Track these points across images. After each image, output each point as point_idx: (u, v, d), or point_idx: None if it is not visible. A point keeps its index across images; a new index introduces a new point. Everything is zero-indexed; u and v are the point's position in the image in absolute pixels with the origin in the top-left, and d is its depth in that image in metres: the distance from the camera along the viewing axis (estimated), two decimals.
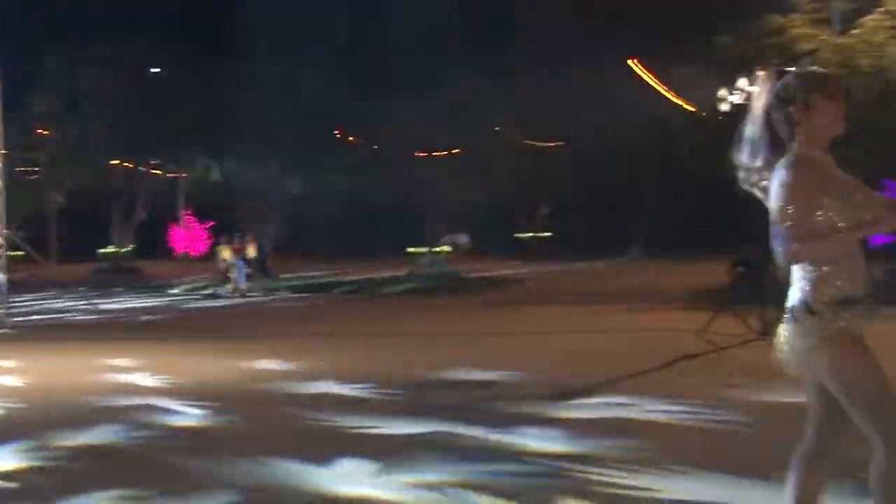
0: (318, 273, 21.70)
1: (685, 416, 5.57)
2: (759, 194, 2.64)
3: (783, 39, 13.57)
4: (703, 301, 12.37)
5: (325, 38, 24.27)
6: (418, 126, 18.85)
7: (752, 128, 2.64)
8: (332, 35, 24.66)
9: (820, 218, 2.45)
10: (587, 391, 6.43)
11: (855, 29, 13.65)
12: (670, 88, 17.05)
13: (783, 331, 2.61)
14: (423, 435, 5.17)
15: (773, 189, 2.49)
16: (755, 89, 9.08)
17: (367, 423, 5.49)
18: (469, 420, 5.39)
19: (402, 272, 19.92)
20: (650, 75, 19.20)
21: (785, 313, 2.62)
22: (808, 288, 2.51)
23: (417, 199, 20.53)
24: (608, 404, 5.97)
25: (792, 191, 2.43)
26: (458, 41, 23.44)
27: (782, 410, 5.58)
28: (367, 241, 27.64)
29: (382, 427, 5.40)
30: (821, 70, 2.72)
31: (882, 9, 13.33)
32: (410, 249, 20.87)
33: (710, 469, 4.21)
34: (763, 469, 3.85)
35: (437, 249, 20.80)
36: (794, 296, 2.57)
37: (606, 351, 8.52)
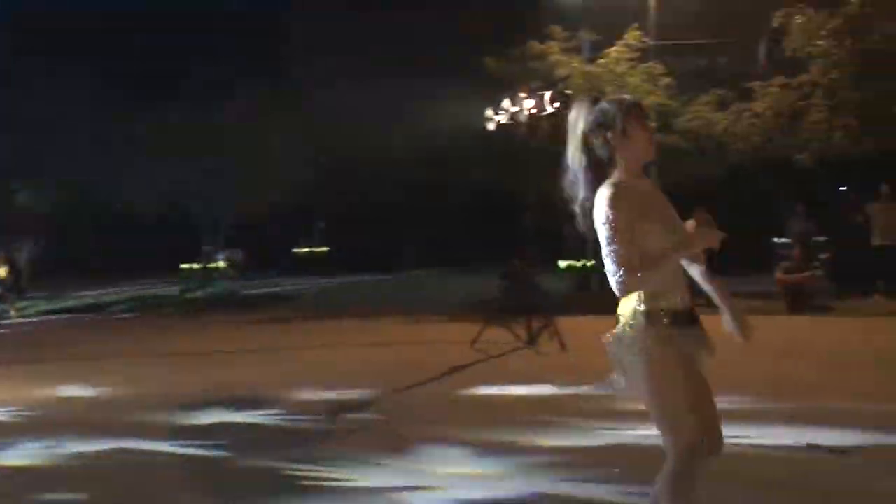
0: (88, 292, 20.14)
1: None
2: (581, 216, 2.68)
3: (542, 65, 14.46)
4: (475, 312, 12.85)
5: (88, 39, 22.59)
6: (192, 135, 17.97)
7: (572, 153, 2.69)
8: (95, 36, 22.99)
9: (650, 242, 2.52)
10: (361, 406, 6.40)
11: (602, 59, 14.88)
12: (441, 105, 17.57)
13: (614, 337, 2.67)
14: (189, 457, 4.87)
15: (597, 220, 2.53)
16: (516, 109, 9.39)
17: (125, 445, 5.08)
18: (250, 442, 5.16)
19: (176, 289, 18.94)
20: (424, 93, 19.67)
21: (618, 319, 2.67)
22: (641, 297, 2.58)
23: (192, 213, 19.55)
24: (377, 420, 5.98)
25: (615, 224, 2.48)
26: (236, 49, 22.79)
27: (545, 407, 5.89)
28: (139, 257, 26.17)
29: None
30: (634, 99, 2.77)
31: (623, 41, 14.64)
32: (185, 265, 19.81)
33: None
34: None
35: (213, 265, 19.92)
36: (628, 304, 2.62)
37: (381, 364, 8.56)
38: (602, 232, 2.52)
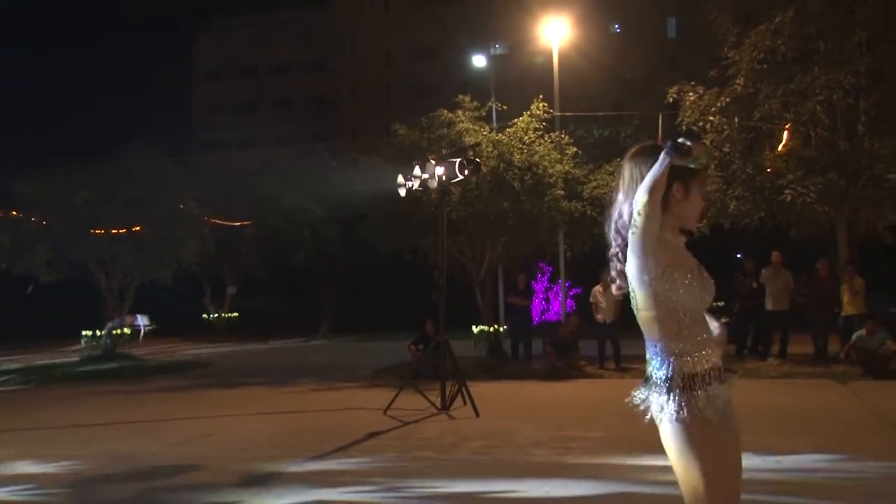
0: None
1: (370, 495, 5.56)
2: (616, 271, 2.64)
3: (451, 132, 14.74)
4: (387, 378, 12.72)
5: None
6: (94, 202, 17.42)
7: (619, 205, 2.62)
8: None
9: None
10: (273, 477, 6.17)
11: (510, 127, 15.31)
12: (355, 172, 17.65)
13: (648, 399, 2.56)
14: None
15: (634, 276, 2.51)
16: (426, 175, 9.49)
17: None
18: None
19: (76, 357, 18.07)
20: (333, 160, 19.75)
21: (647, 381, 2.58)
22: (673, 362, 2.51)
23: (95, 279, 18.80)
24: (294, 490, 5.77)
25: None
26: (142, 117, 22.46)
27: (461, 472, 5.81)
28: (39, 323, 25.12)
29: None
30: (694, 165, 2.53)
31: (529, 112, 15.12)
32: (86, 332, 18.96)
33: None
34: None
35: (117, 331, 19.09)
36: (659, 368, 2.54)
37: (292, 433, 8.30)
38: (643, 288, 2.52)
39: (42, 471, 6.74)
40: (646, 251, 2.50)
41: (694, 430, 2.45)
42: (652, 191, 2.44)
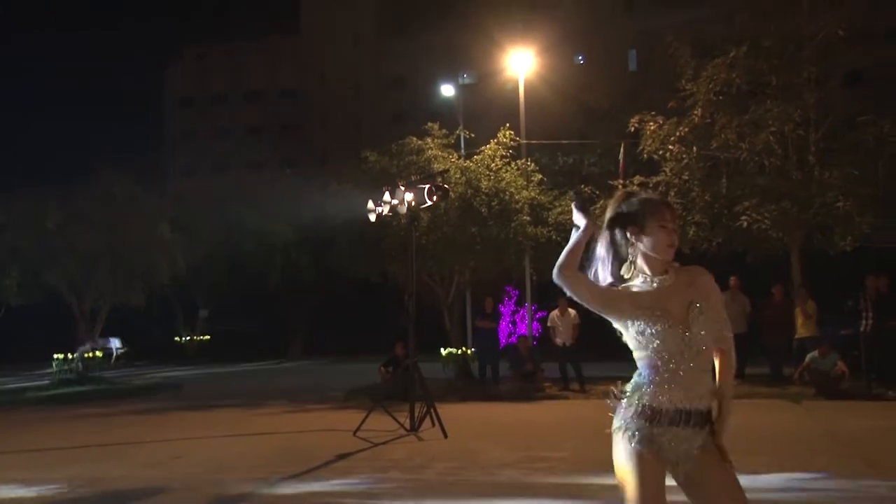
0: None
1: None
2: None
3: (420, 159, 14.82)
4: (358, 400, 12.63)
5: None
6: (65, 226, 17.21)
7: (600, 245, 2.70)
8: None
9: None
10: (244, 498, 6.09)
11: (477, 154, 15.42)
12: (326, 198, 17.64)
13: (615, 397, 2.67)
14: None
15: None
16: (396, 201, 9.50)
17: None
18: None
19: (47, 381, 17.68)
20: (306, 185, 19.71)
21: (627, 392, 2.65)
22: (637, 382, 2.61)
23: (66, 302, 18.51)
24: None
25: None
26: (115, 143, 22.28)
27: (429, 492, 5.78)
28: (6, 347, 24.75)
29: None
30: (662, 199, 2.72)
31: (496, 140, 15.26)
32: (58, 355, 18.64)
33: None
34: None
35: (89, 354, 18.76)
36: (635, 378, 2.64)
37: (263, 455, 8.20)
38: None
39: (10, 495, 6.57)
40: (601, 311, 2.64)
41: (625, 453, 2.56)
42: (563, 267, 2.62)
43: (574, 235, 2.67)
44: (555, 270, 2.61)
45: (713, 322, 2.59)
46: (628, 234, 2.65)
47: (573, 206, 2.70)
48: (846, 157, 13.37)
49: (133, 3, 75.03)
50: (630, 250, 2.66)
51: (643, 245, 2.63)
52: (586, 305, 2.64)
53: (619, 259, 2.68)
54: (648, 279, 2.62)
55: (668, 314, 2.55)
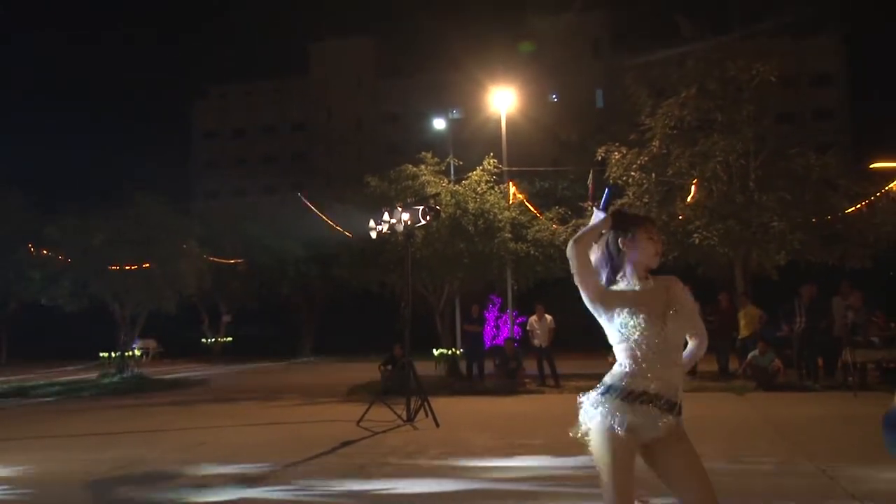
0: (12, 377, 18.42)
1: (345, 494, 5.53)
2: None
3: (415, 184, 14.88)
4: (360, 394, 12.63)
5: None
6: (108, 243, 17.37)
7: (594, 254, 2.73)
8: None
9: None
10: (259, 478, 6.10)
11: (465, 180, 15.50)
12: (331, 218, 17.66)
13: (587, 396, 2.62)
14: None
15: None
16: (394, 220, 9.53)
17: None
18: None
19: (95, 375, 17.74)
20: (314, 207, 19.70)
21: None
22: (616, 371, 2.59)
23: (110, 308, 18.60)
24: (279, 487, 5.72)
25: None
26: (149, 170, 22.33)
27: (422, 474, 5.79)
28: (60, 346, 25.12)
29: None
30: (648, 215, 2.90)
31: (481, 167, 15.35)
32: (103, 354, 18.79)
33: None
34: None
35: (129, 353, 18.83)
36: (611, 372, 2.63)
37: (277, 441, 8.21)
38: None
39: (63, 470, 6.57)
40: (591, 300, 2.66)
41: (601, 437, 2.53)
42: (578, 240, 2.63)
43: (594, 218, 2.71)
44: (570, 242, 2.65)
45: (687, 319, 2.68)
46: (620, 244, 2.70)
47: (597, 205, 2.74)
48: (780, 182, 13.54)
49: (166, 51, 76.56)
50: (620, 259, 2.72)
51: (633, 254, 2.69)
52: (582, 289, 2.65)
53: (612, 267, 2.72)
54: (633, 283, 2.70)
55: (648, 309, 2.61)
